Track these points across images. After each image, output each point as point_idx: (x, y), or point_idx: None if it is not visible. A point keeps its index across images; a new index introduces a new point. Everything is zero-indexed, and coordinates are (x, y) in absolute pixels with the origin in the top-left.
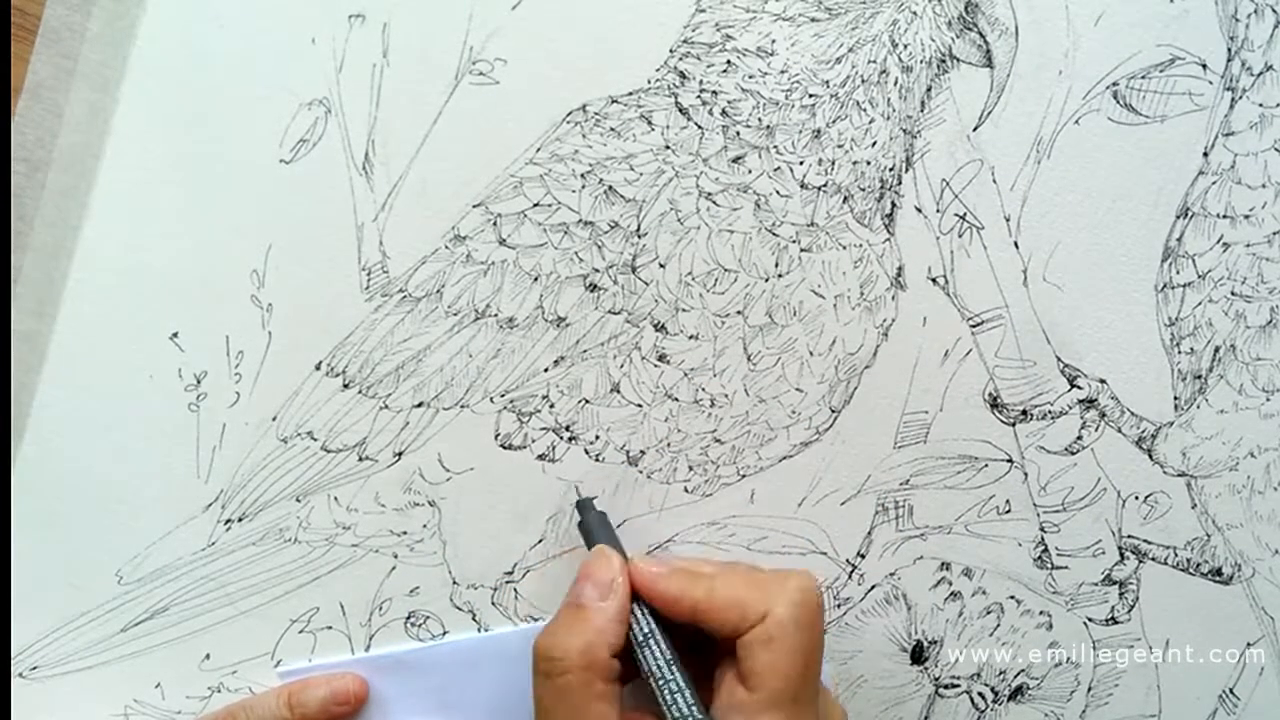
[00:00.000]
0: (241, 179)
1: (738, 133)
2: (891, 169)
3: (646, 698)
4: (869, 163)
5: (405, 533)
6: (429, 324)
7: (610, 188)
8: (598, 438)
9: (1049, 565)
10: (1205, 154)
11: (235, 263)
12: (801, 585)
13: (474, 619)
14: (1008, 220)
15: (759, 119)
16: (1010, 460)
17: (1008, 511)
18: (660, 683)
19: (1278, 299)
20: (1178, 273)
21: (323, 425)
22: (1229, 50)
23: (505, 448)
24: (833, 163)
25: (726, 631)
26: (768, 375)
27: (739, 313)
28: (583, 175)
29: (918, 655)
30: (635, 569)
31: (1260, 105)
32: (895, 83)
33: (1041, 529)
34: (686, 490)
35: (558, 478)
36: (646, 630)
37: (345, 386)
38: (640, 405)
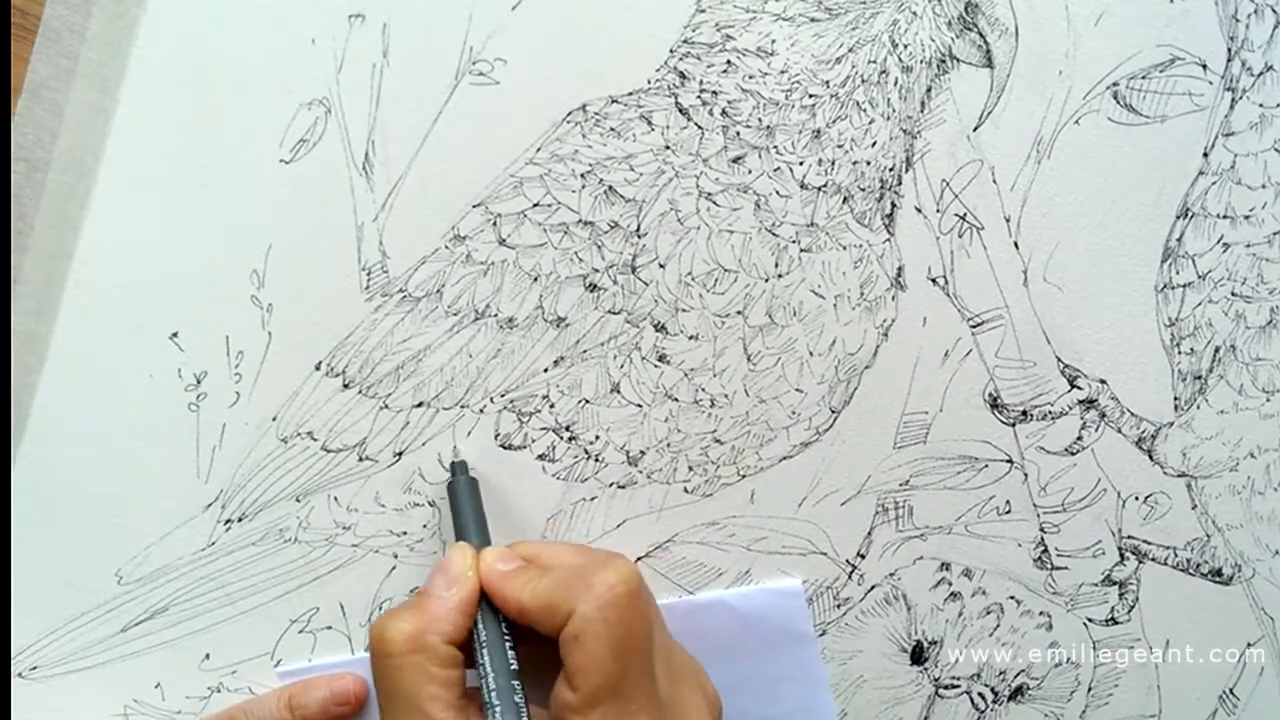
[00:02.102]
0: (241, 179)
1: (738, 133)
2: (891, 169)
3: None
4: (869, 163)
5: (405, 533)
6: (429, 324)
7: (610, 188)
8: (598, 438)
9: (1049, 566)
10: (1205, 154)
11: (235, 263)
12: (607, 579)
13: None
14: (1008, 220)
15: (759, 119)
16: (1010, 461)
17: (1008, 512)
18: (487, 693)
19: (1278, 299)
20: (1178, 273)
21: (323, 425)
22: (1229, 50)
23: (505, 448)
24: (833, 163)
25: (548, 631)
26: (768, 375)
27: (739, 313)
28: (583, 175)
29: (918, 655)
30: (483, 565)
31: (1260, 105)
32: (895, 83)
33: (1041, 529)
34: (686, 490)
35: (556, 478)
36: (484, 638)
37: (345, 386)
38: (640, 405)
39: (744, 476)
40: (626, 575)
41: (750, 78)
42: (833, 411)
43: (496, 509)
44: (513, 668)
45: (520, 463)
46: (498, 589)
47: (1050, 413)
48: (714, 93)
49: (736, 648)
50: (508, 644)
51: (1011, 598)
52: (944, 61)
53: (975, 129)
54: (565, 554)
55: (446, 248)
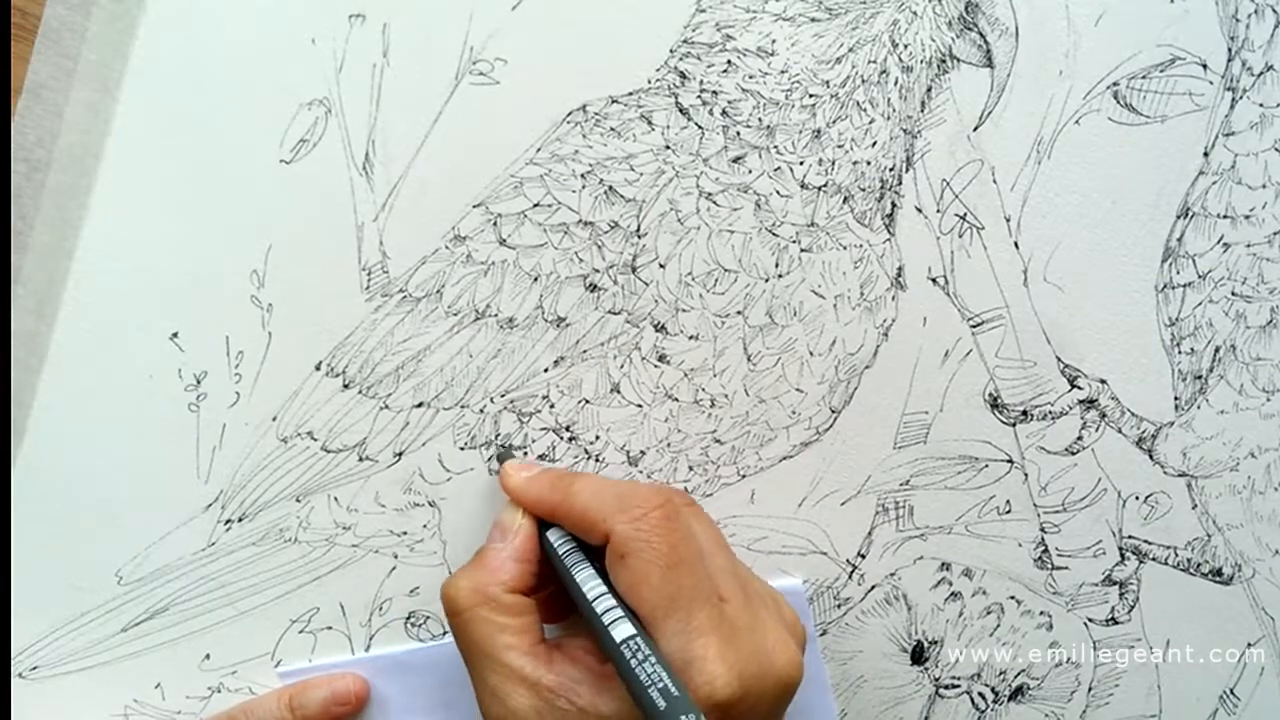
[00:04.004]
0: (242, 179)
1: (738, 133)
2: (892, 169)
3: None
4: (869, 163)
5: (405, 533)
6: (429, 324)
7: (610, 188)
8: (598, 438)
9: (1049, 565)
10: (1205, 154)
11: (235, 263)
12: (643, 497)
13: None
14: (1008, 220)
15: (759, 119)
16: (1010, 460)
17: (1008, 512)
18: (588, 609)
19: (1278, 299)
20: (1178, 273)
21: (323, 425)
22: (1229, 50)
23: (505, 448)
24: (833, 163)
25: (588, 539)
26: (768, 375)
27: (739, 313)
28: (583, 175)
29: (918, 655)
30: (503, 474)
31: (1261, 105)
32: (895, 83)
33: (1042, 529)
34: (687, 490)
35: None
36: (563, 554)
37: (345, 387)
38: (640, 405)
39: (744, 476)
40: (664, 497)
41: (750, 77)
42: (833, 411)
43: (493, 510)
44: (598, 566)
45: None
46: (523, 494)
47: (1050, 413)
48: (714, 93)
49: None
50: (586, 554)
51: (1012, 598)
52: (944, 61)
53: (975, 129)
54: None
55: (447, 248)
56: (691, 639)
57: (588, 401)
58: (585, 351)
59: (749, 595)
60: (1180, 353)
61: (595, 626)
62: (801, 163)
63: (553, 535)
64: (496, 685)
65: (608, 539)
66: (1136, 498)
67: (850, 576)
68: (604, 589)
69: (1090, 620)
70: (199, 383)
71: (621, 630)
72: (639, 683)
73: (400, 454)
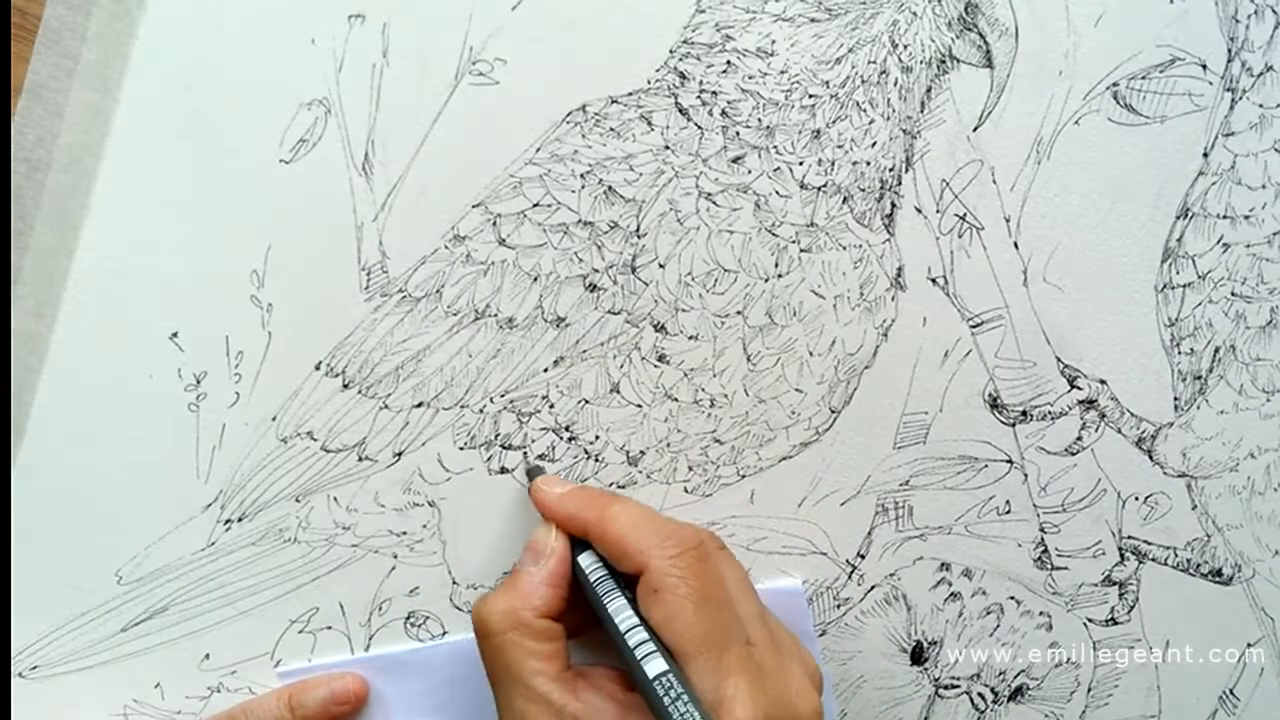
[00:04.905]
0: (241, 179)
1: (737, 133)
2: (891, 169)
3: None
4: (869, 163)
5: (405, 533)
6: (429, 324)
7: (610, 188)
8: (597, 438)
9: (1049, 566)
10: (1205, 154)
11: (235, 263)
12: (681, 536)
13: None
14: (1008, 221)
15: (759, 119)
16: (1010, 461)
17: (1008, 512)
18: (616, 635)
19: (1277, 299)
20: (1178, 273)
21: (322, 425)
22: (1229, 51)
23: (505, 448)
24: (832, 163)
25: (619, 567)
26: (767, 375)
27: (739, 313)
28: (582, 175)
29: (917, 656)
30: (535, 489)
31: (1260, 106)
32: (895, 83)
33: (1041, 529)
34: (686, 490)
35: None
36: (595, 581)
37: (345, 386)
38: (640, 405)
39: (744, 476)
40: (699, 535)
41: (750, 78)
42: (832, 411)
43: (497, 510)
44: (629, 597)
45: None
46: (555, 509)
47: (1050, 413)
48: (714, 93)
49: None
50: (617, 580)
51: (1011, 598)
52: (944, 62)
53: (975, 129)
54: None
55: (446, 248)
56: (722, 679)
57: (587, 401)
58: (585, 351)
59: (775, 640)
60: (1180, 353)
61: (626, 658)
62: (801, 163)
63: (585, 561)
64: (523, 709)
65: (641, 571)
66: (1136, 498)
67: (850, 577)
68: (637, 621)
69: (1090, 620)
70: (199, 383)
71: (655, 666)
72: (670, 719)
73: (400, 454)
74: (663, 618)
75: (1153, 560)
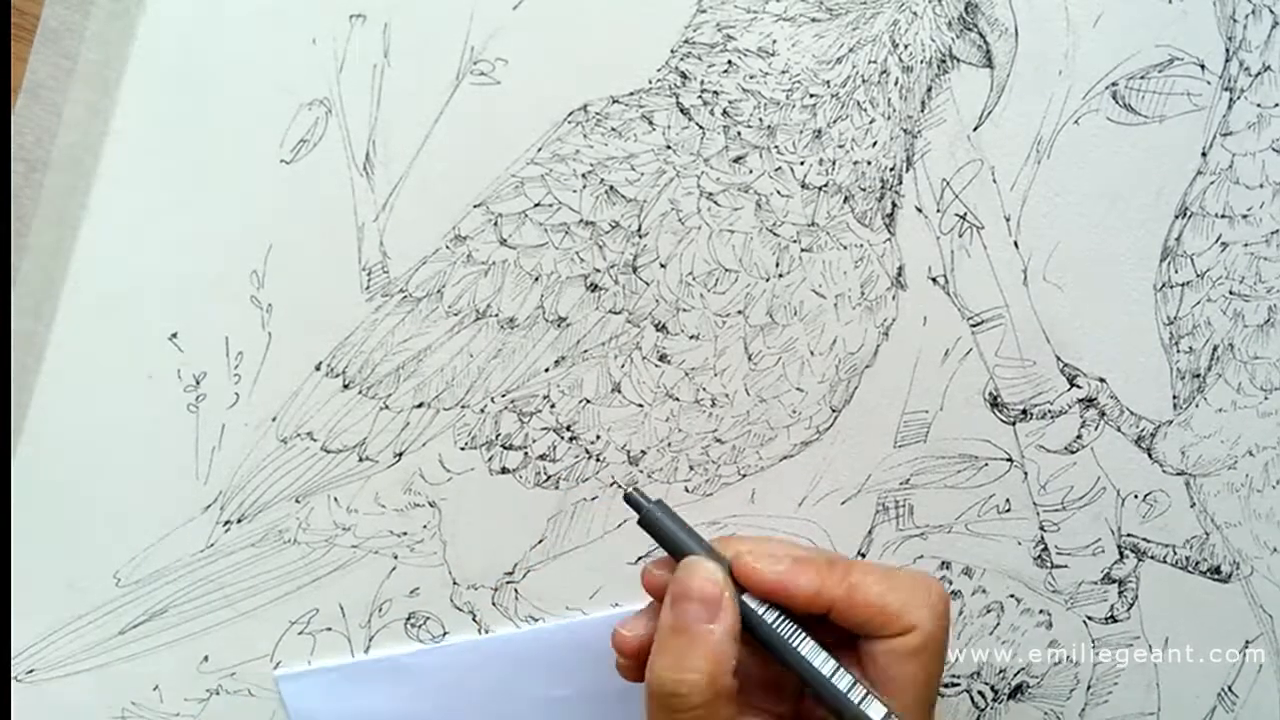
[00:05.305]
0: (242, 179)
1: (739, 133)
2: (892, 169)
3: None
4: (870, 163)
5: (405, 533)
6: (429, 324)
7: (611, 188)
8: (598, 438)
9: (1049, 564)
10: (1204, 154)
11: (235, 263)
12: (942, 595)
13: (474, 620)
14: (1008, 220)
15: (760, 119)
16: (1010, 459)
17: (1007, 510)
18: (822, 685)
19: (1275, 298)
20: (1176, 272)
21: (323, 426)
22: (1227, 51)
23: (506, 448)
24: (833, 163)
25: (862, 632)
26: (768, 375)
27: (740, 312)
28: (584, 175)
29: None
30: (751, 571)
31: (1258, 105)
32: (896, 83)
33: (1041, 528)
34: (687, 490)
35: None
36: (788, 632)
37: (345, 387)
38: (641, 405)
39: (745, 476)
40: (947, 593)
41: (751, 78)
42: (833, 410)
43: (498, 511)
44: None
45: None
46: (791, 587)
47: (1050, 411)
48: (715, 93)
49: None
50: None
51: (1011, 596)
52: (944, 61)
53: (975, 129)
54: (817, 553)
55: (447, 248)
56: None
57: (588, 401)
58: (586, 351)
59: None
60: (1179, 351)
61: (835, 702)
62: (802, 163)
63: (770, 616)
64: None
65: (900, 631)
66: (1135, 496)
67: None
68: (836, 664)
69: (1089, 618)
70: (198, 383)
71: (877, 710)
72: None
73: (400, 454)
74: (910, 678)
75: (1152, 558)
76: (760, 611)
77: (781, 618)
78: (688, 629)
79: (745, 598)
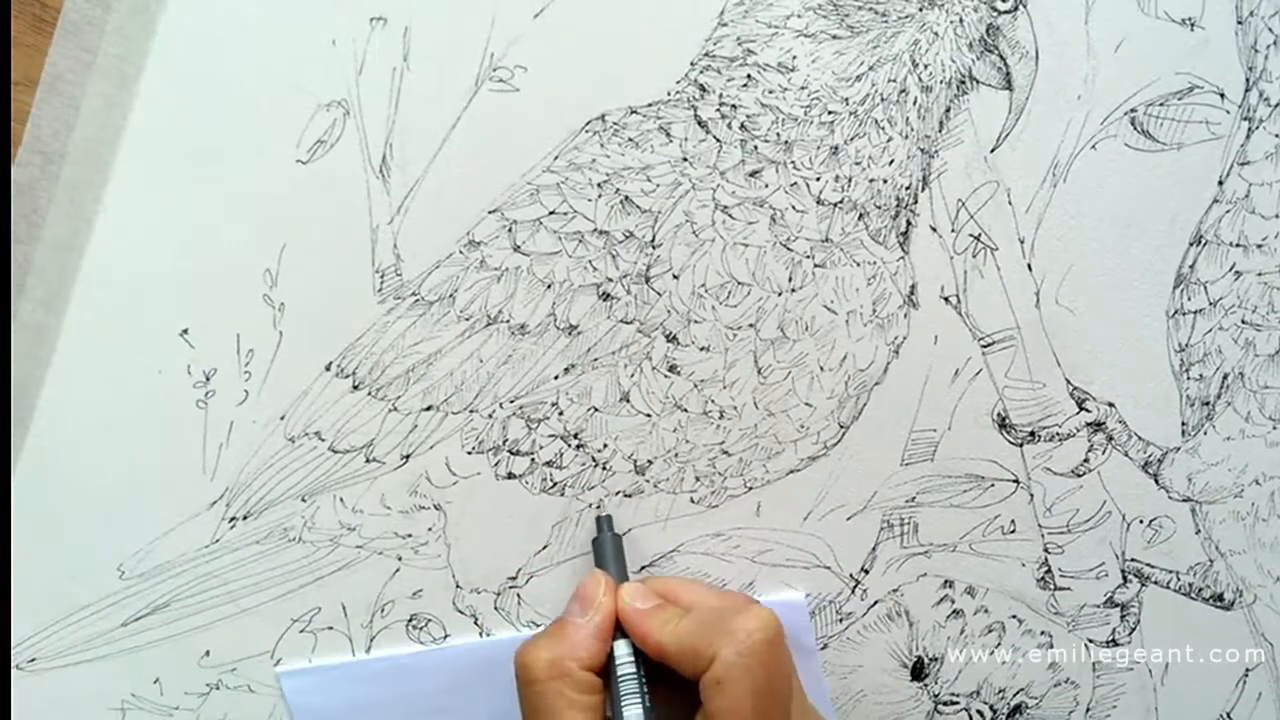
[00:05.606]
0: (257, 178)
1: (755, 147)
2: (908, 188)
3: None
4: (885, 181)
5: (410, 535)
6: (441, 328)
7: (626, 198)
8: (605, 446)
9: (1052, 586)
10: (1220, 182)
11: (248, 261)
12: (748, 625)
13: (476, 623)
14: (1022, 242)
15: (777, 134)
16: (1016, 481)
17: (1012, 531)
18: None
19: None
20: (1189, 299)
21: (331, 426)
22: (1247, 80)
23: (513, 454)
24: (849, 180)
25: (688, 675)
26: (777, 389)
27: (751, 326)
28: (599, 184)
29: (918, 672)
30: (621, 602)
31: (1276, 135)
32: (914, 102)
33: (1045, 550)
34: (693, 501)
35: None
36: (619, 674)
37: (355, 388)
38: (649, 415)
39: (750, 489)
40: (767, 622)
41: (770, 92)
42: (841, 426)
43: (502, 515)
44: (647, 706)
45: (527, 469)
46: (636, 626)
47: (1058, 434)
48: (733, 106)
49: None
50: (642, 681)
51: (1013, 617)
52: (964, 82)
53: (992, 150)
54: (702, 594)
55: (461, 252)
56: None
57: (596, 409)
58: (596, 360)
59: None
60: (1189, 378)
61: None
62: (818, 179)
63: (620, 650)
64: None
65: (707, 666)
66: (1141, 521)
67: (853, 591)
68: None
69: (1091, 641)
70: (208, 380)
71: None
72: None
73: (407, 456)
74: (719, 709)
75: (1155, 583)
76: (619, 647)
77: (631, 661)
78: (563, 620)
79: (618, 645)
